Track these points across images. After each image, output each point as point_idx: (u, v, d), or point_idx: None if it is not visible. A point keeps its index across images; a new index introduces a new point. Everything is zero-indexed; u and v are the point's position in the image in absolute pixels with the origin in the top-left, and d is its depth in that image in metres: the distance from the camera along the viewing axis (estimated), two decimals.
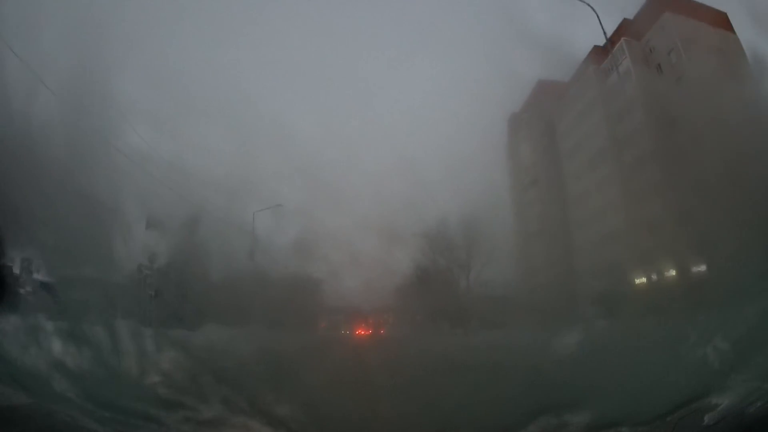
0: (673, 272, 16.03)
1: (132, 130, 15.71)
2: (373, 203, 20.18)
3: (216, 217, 18.10)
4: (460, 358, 13.17)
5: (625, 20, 21.78)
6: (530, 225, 23.60)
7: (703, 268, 14.58)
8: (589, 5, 19.77)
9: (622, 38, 21.63)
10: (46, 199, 10.30)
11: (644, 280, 16.65)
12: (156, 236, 16.97)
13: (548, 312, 14.54)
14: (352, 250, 20.23)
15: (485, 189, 19.91)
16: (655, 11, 20.30)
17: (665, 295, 13.65)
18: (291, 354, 11.94)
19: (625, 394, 5.70)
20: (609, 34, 21.91)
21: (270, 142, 18.22)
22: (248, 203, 20.16)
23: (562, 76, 23.98)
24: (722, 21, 18.86)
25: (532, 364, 8.79)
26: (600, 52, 22.52)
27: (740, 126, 12.55)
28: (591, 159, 22.05)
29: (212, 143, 17.97)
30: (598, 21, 22.21)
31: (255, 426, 5.58)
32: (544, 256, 20.60)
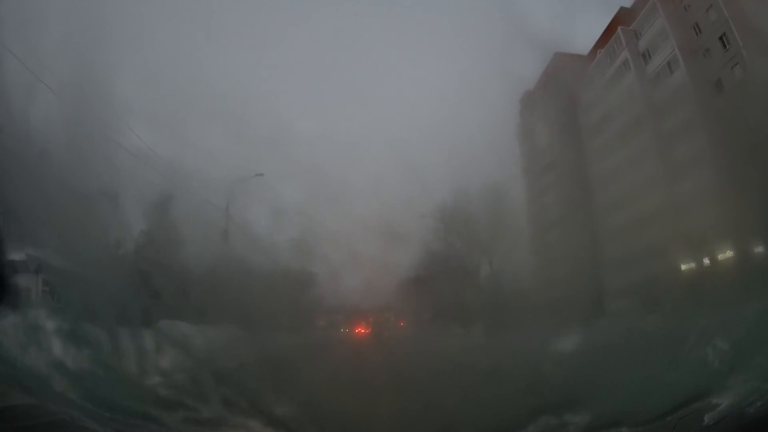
0: (718, 260, 14.17)
1: (133, 130, 15.73)
2: (373, 202, 20.13)
3: (215, 216, 18.12)
4: (461, 357, 13.18)
5: None
6: (547, 213, 21.77)
7: (751, 254, 13.03)
8: None
9: None
10: (46, 198, 10.30)
11: (684, 268, 14.77)
12: (155, 234, 16.98)
13: (570, 309, 13.44)
14: (352, 250, 20.21)
15: (491, 185, 19.36)
16: None
17: (706, 285, 12.15)
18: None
19: (625, 394, 5.70)
20: None
21: (270, 142, 18.21)
22: (248, 202, 20.14)
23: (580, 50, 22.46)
24: None
25: (532, 364, 8.80)
26: (627, 15, 20.97)
27: None
28: (622, 133, 19.64)
29: (212, 143, 17.96)
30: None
31: (256, 426, 5.58)
32: (564, 247, 18.60)
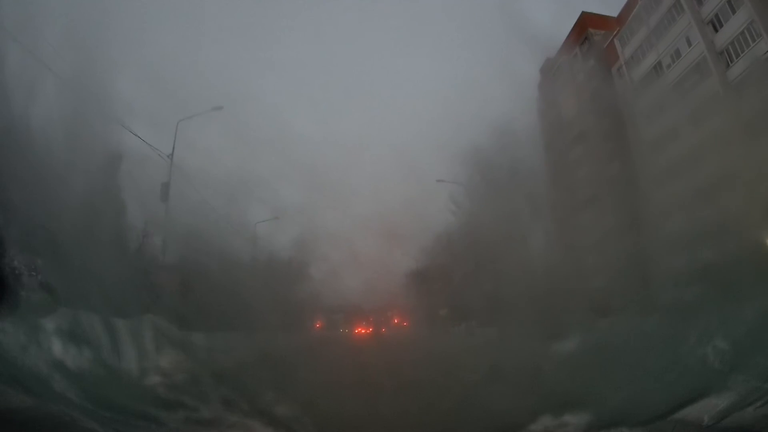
0: None
1: (133, 129, 15.76)
2: (373, 203, 20.14)
3: (216, 216, 18.14)
4: (461, 357, 13.18)
5: None
6: (576, 194, 19.10)
7: None
8: None
9: None
10: (46, 198, 10.30)
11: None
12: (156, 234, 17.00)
13: (612, 301, 11.99)
14: (353, 250, 20.22)
15: (493, 181, 18.81)
16: None
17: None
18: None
19: (625, 394, 5.70)
20: None
21: (270, 142, 18.22)
22: (249, 202, 20.19)
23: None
24: None
25: (533, 364, 8.80)
26: None
27: None
28: (678, 84, 17.11)
29: (212, 143, 17.98)
30: None
31: (256, 426, 5.57)
32: (601, 231, 15.91)
